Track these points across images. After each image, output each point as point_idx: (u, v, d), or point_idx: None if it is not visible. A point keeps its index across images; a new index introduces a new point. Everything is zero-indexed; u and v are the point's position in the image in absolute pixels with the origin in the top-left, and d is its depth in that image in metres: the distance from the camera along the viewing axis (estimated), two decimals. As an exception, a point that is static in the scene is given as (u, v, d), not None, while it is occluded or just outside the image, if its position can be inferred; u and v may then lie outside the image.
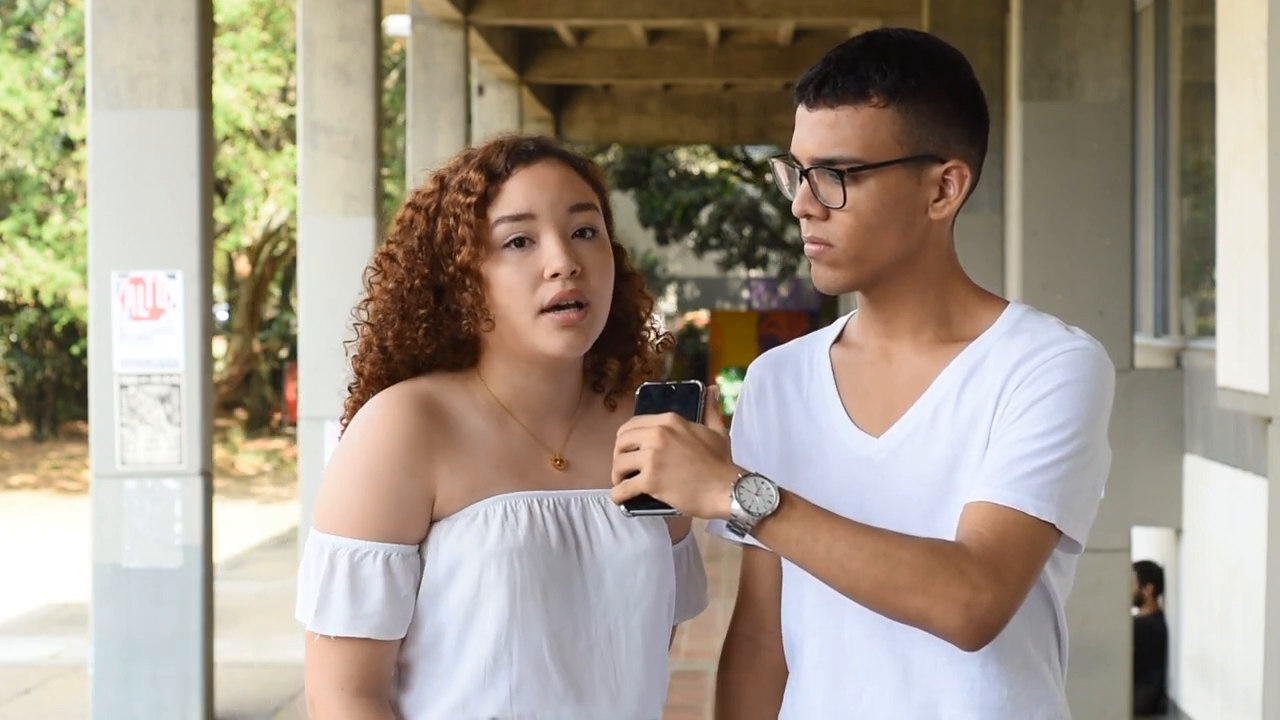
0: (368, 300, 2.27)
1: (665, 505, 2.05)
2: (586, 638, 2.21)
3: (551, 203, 2.21)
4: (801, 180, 2.19)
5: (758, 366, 2.38)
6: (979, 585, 2.03)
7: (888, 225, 2.18)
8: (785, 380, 2.33)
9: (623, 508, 2.06)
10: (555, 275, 2.18)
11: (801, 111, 2.21)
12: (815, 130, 2.18)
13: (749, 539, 2.08)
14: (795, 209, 2.20)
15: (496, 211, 2.21)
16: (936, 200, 2.22)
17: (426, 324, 2.23)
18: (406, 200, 2.29)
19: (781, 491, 2.04)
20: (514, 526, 2.18)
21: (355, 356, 2.28)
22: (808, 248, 2.22)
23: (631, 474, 2.05)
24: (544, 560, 2.18)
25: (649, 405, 2.10)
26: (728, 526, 2.06)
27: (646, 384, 2.13)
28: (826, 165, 2.17)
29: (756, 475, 2.04)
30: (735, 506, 2.02)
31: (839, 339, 2.33)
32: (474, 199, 2.20)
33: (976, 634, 2.04)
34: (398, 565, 2.17)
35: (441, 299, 2.23)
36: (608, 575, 2.22)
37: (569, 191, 2.23)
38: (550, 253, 2.19)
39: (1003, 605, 2.04)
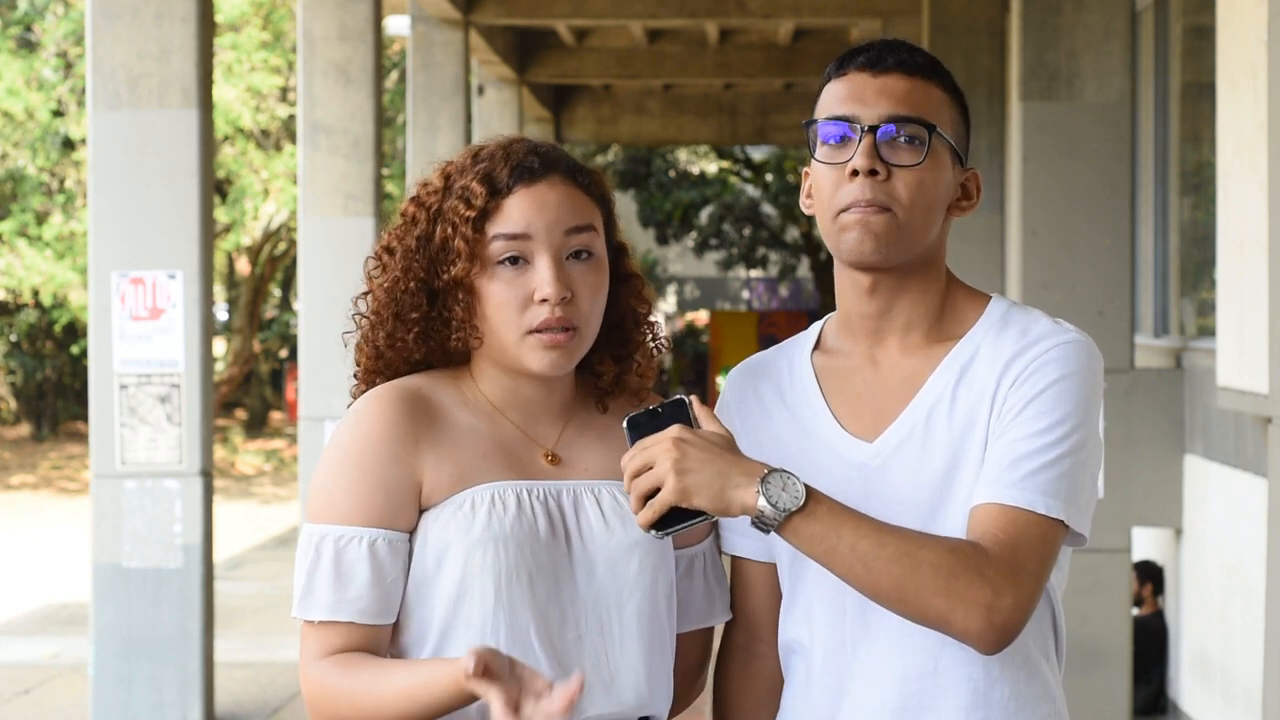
0: (366, 293, 2.30)
1: (694, 515, 2.04)
2: (576, 627, 2.21)
3: (549, 225, 2.21)
4: (860, 140, 2.17)
5: (736, 377, 2.36)
6: (999, 588, 2.03)
7: (937, 201, 2.20)
8: (765, 389, 2.31)
9: (653, 531, 2.05)
10: (545, 300, 2.19)
11: (862, 77, 2.19)
12: (890, 91, 2.18)
13: (753, 542, 2.07)
14: (860, 164, 2.15)
15: (494, 228, 2.22)
16: (960, 199, 2.24)
17: (418, 328, 2.25)
18: (412, 193, 2.30)
19: (807, 487, 2.03)
20: (501, 514, 2.18)
21: (356, 346, 2.31)
22: (857, 212, 2.17)
23: (651, 495, 2.03)
24: (530, 548, 2.19)
25: (640, 433, 2.09)
26: (752, 523, 2.04)
27: (632, 414, 2.11)
28: (910, 122, 2.16)
29: (782, 470, 2.03)
30: (762, 502, 2.01)
31: (817, 345, 2.32)
32: (473, 213, 2.21)
33: (997, 638, 2.04)
34: (383, 550, 2.18)
35: (435, 303, 2.24)
36: (599, 565, 2.23)
37: (568, 213, 2.23)
38: (543, 278, 2.20)
39: (1021, 607, 2.04)
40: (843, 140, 2.19)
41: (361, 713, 2.13)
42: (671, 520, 2.04)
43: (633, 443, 2.08)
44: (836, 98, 2.20)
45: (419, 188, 2.29)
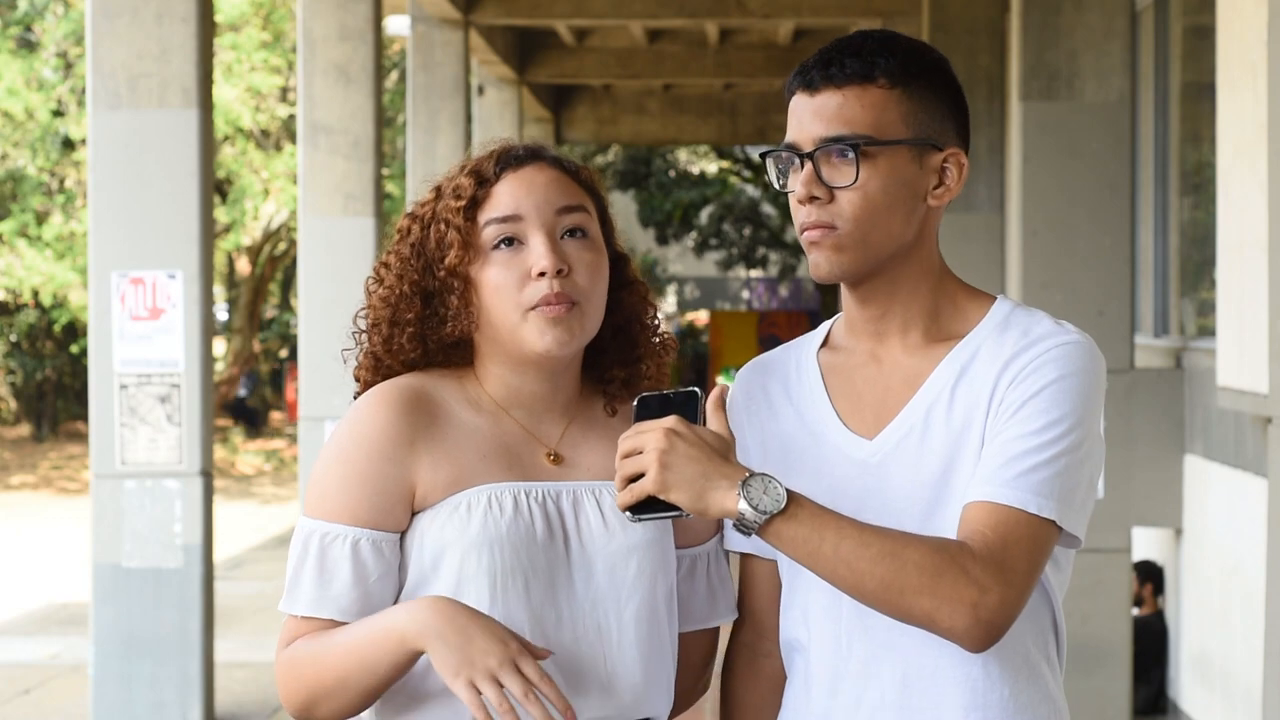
0: (365, 309, 2.31)
1: (671, 507, 2.04)
2: (573, 630, 2.21)
3: (539, 204, 2.23)
4: (803, 166, 2.19)
5: (745, 374, 2.37)
6: (985, 586, 2.03)
7: (893, 207, 2.18)
8: (774, 387, 2.32)
9: (628, 514, 2.05)
10: (542, 274, 2.20)
11: (802, 99, 2.21)
12: (822, 112, 2.18)
13: (754, 539, 2.07)
14: (799, 194, 2.19)
15: (485, 214, 2.24)
16: (936, 187, 2.22)
17: (412, 328, 2.26)
18: (406, 210, 2.33)
19: (789, 491, 2.04)
20: (497, 516, 2.19)
21: (357, 363, 2.32)
22: (808, 235, 2.20)
23: (635, 479, 2.04)
24: (526, 550, 2.19)
25: (648, 414, 2.09)
26: (734, 526, 2.05)
27: (644, 394, 2.12)
28: (836, 143, 2.17)
29: (763, 474, 2.03)
30: (743, 505, 2.01)
31: (825, 343, 2.33)
32: (463, 203, 2.24)
33: (984, 635, 2.04)
34: (366, 550, 2.19)
35: (430, 304, 2.26)
36: (598, 567, 2.22)
37: (557, 193, 2.25)
38: (537, 252, 2.21)
39: (1008, 606, 2.04)
40: (790, 167, 2.22)
41: (319, 668, 2.16)
42: (649, 508, 2.05)
43: (636, 421, 2.09)
44: (788, 121, 2.23)
45: (413, 204, 2.32)
